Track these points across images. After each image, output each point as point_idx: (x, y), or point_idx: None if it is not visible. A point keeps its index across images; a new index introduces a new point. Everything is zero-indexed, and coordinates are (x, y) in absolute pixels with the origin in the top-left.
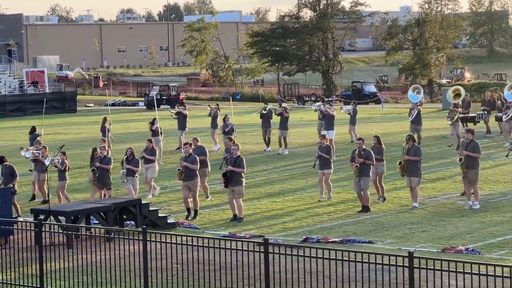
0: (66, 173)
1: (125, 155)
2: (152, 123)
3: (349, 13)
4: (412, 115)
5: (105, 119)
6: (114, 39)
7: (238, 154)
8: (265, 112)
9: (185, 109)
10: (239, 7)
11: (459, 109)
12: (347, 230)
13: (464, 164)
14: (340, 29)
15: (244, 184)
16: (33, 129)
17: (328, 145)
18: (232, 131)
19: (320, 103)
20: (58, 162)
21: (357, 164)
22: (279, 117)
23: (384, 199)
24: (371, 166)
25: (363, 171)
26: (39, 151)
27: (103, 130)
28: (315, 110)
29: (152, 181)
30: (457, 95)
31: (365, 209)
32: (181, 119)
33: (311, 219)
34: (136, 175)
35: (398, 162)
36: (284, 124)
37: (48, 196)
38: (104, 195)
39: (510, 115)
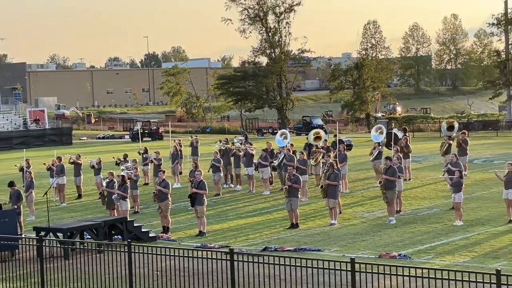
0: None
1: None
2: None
3: (298, 59)
4: (279, 159)
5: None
6: (103, 83)
7: (201, 179)
8: (224, 148)
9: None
10: (207, 55)
11: (322, 150)
12: (299, 240)
13: (383, 186)
14: (291, 72)
15: (205, 204)
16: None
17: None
18: None
19: (242, 138)
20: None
21: (286, 187)
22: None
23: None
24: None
25: (292, 193)
26: (131, 171)
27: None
28: (233, 144)
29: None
30: (317, 137)
31: (295, 226)
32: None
33: (269, 231)
34: (126, 199)
35: (320, 186)
36: (237, 163)
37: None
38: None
39: (375, 155)
